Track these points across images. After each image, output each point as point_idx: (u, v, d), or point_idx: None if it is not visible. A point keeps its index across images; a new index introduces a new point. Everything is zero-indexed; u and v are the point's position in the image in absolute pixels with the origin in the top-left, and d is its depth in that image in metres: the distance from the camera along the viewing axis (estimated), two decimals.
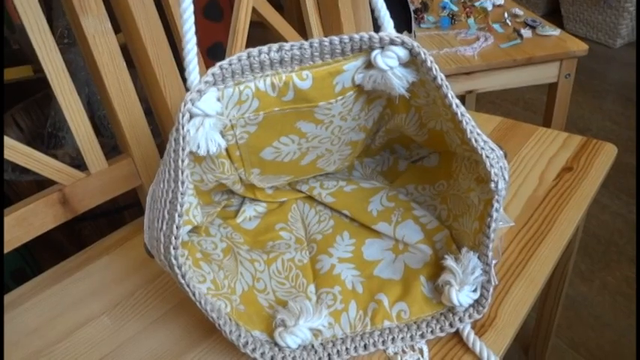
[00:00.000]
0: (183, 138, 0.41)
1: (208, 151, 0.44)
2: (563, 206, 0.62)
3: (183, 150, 0.41)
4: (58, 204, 0.59)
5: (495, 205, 0.44)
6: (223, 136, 0.49)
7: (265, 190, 0.64)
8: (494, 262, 0.47)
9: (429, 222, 0.57)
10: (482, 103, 2.05)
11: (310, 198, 0.65)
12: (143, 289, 0.58)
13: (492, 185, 0.43)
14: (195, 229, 0.54)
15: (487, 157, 0.43)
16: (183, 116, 0.41)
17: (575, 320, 1.16)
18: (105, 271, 0.61)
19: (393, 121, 0.56)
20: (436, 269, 0.53)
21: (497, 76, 1.18)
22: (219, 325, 0.44)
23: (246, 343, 0.45)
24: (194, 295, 0.43)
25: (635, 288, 0.99)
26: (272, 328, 0.48)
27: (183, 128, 0.41)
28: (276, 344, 0.47)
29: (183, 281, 0.43)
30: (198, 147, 0.43)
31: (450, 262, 0.49)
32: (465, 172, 0.53)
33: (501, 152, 0.44)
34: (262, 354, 0.46)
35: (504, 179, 0.43)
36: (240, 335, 0.45)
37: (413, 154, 0.65)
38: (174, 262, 0.42)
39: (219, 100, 0.43)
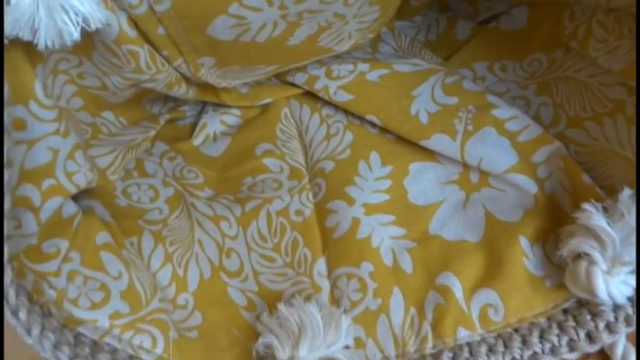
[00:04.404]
0: None
1: (64, 41, 0.20)
2: None
3: None
4: None
5: None
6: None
7: (237, 89, 0.39)
8: None
9: (522, 128, 0.32)
10: None
11: (311, 96, 0.39)
12: None
13: None
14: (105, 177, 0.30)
15: None
16: None
17: None
18: None
19: None
20: (546, 221, 0.29)
21: None
22: None
23: None
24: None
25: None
26: (252, 357, 0.26)
27: None
28: None
29: (34, 332, 0.20)
30: (35, 31, 0.19)
31: (594, 218, 0.24)
32: (602, 33, 0.27)
33: None
34: None
35: None
36: None
37: (480, 9, 0.40)
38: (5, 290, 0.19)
39: None
